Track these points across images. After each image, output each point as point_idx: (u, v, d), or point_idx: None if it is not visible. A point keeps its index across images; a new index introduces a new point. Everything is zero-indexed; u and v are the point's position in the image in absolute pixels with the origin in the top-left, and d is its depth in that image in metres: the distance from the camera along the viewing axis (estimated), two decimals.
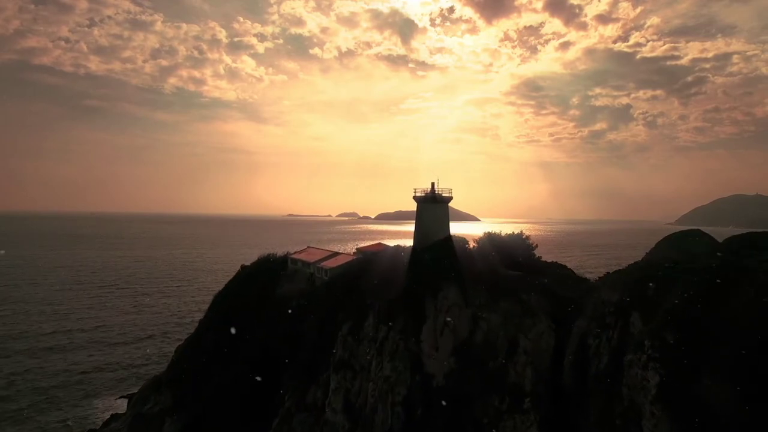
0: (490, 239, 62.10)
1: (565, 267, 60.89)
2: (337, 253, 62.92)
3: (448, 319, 38.85)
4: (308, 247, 72.81)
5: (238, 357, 56.50)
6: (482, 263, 48.24)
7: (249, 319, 58.95)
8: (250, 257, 76.81)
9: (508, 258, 57.03)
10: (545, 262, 62.57)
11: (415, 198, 49.62)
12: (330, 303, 48.95)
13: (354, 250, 74.13)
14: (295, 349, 50.16)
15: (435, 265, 42.23)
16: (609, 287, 37.82)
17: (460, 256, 44.56)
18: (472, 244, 57.70)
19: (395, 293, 42.56)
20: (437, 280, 40.58)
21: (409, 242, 54.01)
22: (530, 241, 60.23)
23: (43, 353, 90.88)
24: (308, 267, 62.05)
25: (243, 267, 71.23)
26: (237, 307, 60.63)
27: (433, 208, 48.31)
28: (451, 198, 49.33)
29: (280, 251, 79.71)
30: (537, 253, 60.94)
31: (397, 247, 55.43)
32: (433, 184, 49.82)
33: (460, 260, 43.43)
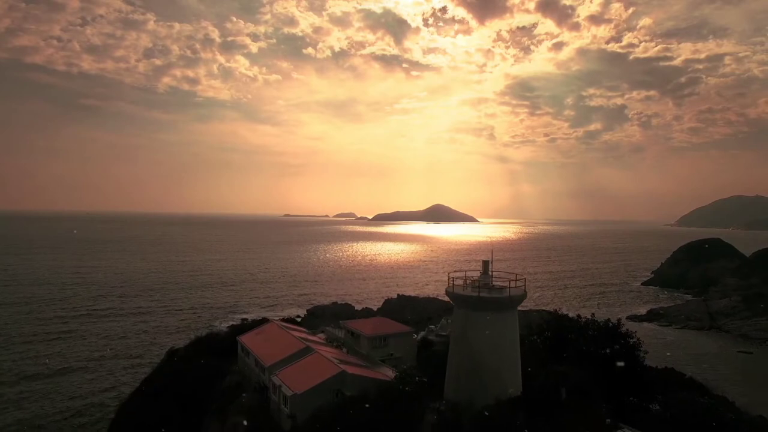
0: (561, 333, 37.75)
1: (692, 382, 36.60)
2: (308, 350, 38.03)
3: None
4: (269, 322, 47.79)
5: None
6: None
7: None
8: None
9: (597, 368, 33.07)
10: (652, 368, 38.29)
11: (449, 294, 24.96)
12: None
13: (341, 325, 49.47)
14: None
15: None
16: None
17: None
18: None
19: None
20: None
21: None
22: (632, 338, 36.04)
23: None
24: (262, 371, 37.75)
25: (171, 353, 46.78)
26: None
27: (489, 321, 23.20)
28: (524, 295, 24.45)
29: (234, 316, 55.61)
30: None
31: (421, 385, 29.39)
32: (486, 264, 25.12)
33: None
